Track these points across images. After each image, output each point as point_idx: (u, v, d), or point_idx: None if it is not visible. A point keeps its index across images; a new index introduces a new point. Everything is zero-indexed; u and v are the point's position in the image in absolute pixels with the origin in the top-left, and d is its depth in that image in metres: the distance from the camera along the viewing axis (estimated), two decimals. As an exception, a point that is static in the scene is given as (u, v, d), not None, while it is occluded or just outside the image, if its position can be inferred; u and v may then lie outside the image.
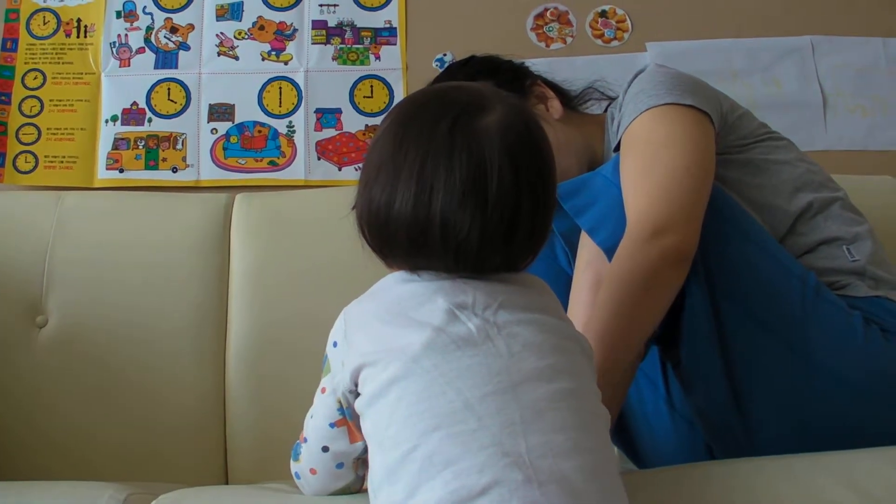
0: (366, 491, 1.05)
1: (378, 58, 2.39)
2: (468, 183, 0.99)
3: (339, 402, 1.07)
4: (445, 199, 0.99)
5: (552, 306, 1.08)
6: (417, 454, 0.95)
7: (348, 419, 1.08)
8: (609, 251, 1.35)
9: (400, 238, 1.02)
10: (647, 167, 1.37)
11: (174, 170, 2.29)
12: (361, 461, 1.12)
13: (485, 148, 1.00)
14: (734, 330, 1.34)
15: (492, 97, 1.06)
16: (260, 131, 2.32)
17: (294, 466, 1.18)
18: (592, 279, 1.41)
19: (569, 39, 2.41)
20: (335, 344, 1.07)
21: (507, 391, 0.97)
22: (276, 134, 2.32)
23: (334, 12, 2.42)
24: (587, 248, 1.42)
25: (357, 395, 1.03)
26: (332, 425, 1.10)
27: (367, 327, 1.04)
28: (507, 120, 1.03)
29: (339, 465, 1.13)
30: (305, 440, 1.14)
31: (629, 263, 1.29)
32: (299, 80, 2.37)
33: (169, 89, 2.35)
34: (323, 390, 1.10)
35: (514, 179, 1.01)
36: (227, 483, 1.89)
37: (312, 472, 1.15)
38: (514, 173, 1.01)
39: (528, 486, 0.91)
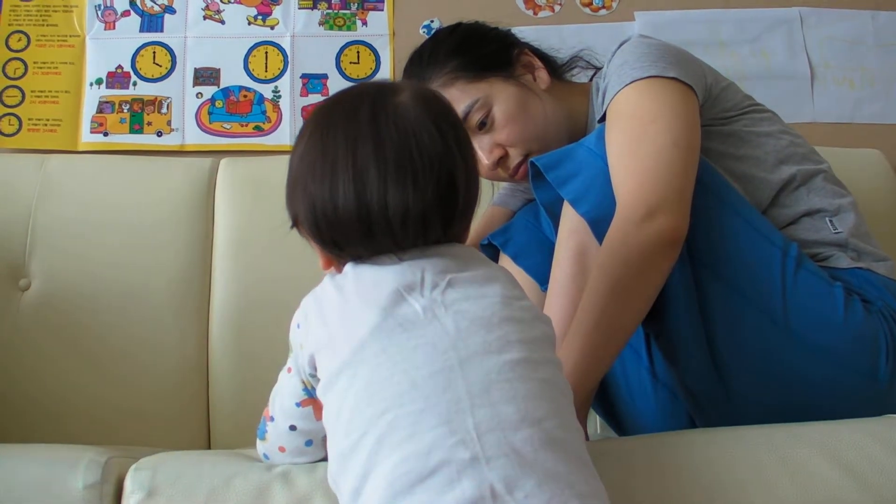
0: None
1: (365, 23, 2.38)
2: (401, 156, 1.02)
3: (304, 382, 1.08)
4: (381, 176, 1.01)
5: (502, 279, 1.08)
6: (367, 440, 0.95)
7: (315, 397, 1.08)
8: (593, 223, 1.35)
9: (350, 228, 1.03)
10: (634, 144, 1.36)
11: (159, 134, 2.28)
12: None
13: (408, 119, 1.04)
14: (715, 300, 1.34)
15: (400, 84, 1.11)
16: (245, 96, 2.31)
17: (261, 447, 1.19)
18: (575, 249, 1.40)
19: (557, 7, 2.40)
20: (298, 325, 1.08)
21: (454, 368, 0.97)
22: (261, 99, 2.31)
23: (321, -23, 2.41)
24: (569, 219, 1.41)
25: (318, 379, 1.04)
26: (297, 405, 1.11)
27: (322, 313, 1.05)
28: (419, 94, 1.08)
29: (308, 443, 1.14)
30: (272, 419, 1.15)
31: (623, 248, 1.28)
32: (285, 45, 2.35)
33: (154, 53, 2.34)
34: (289, 370, 1.11)
35: (443, 142, 1.04)
36: (209, 448, 1.89)
37: (281, 449, 1.16)
38: (442, 137, 1.04)
39: (475, 463, 0.91)
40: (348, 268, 1.06)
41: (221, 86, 2.32)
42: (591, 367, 1.28)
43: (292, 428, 1.13)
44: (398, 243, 1.04)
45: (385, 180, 1.01)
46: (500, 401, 0.95)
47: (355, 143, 1.03)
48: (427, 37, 1.84)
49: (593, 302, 1.28)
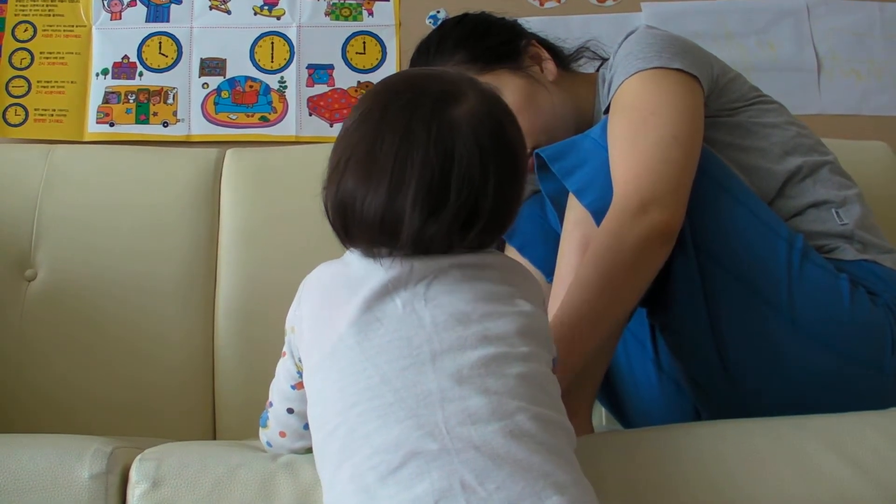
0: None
1: (371, 14, 2.37)
2: (438, 180, 1.00)
3: (297, 365, 1.10)
4: (416, 196, 0.99)
5: (499, 274, 1.07)
6: (339, 432, 0.97)
7: None
8: (597, 214, 1.35)
9: (366, 229, 1.02)
10: (634, 136, 1.36)
11: (165, 124, 2.28)
12: None
13: (456, 144, 1.01)
14: (720, 292, 1.34)
15: (465, 86, 1.07)
16: (251, 86, 2.31)
17: (263, 435, 1.20)
18: (580, 240, 1.40)
19: (563, -2, 2.40)
20: (292, 309, 1.09)
21: (426, 362, 0.97)
22: (267, 89, 2.31)
23: (327, -33, 2.40)
24: (574, 210, 1.41)
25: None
26: (293, 387, 1.12)
27: (313, 299, 1.07)
28: (480, 112, 1.04)
29: (306, 426, 1.13)
30: (271, 404, 1.17)
31: (615, 240, 1.28)
32: (291, 35, 2.35)
33: (160, 43, 2.34)
34: (283, 354, 1.12)
35: (482, 173, 1.01)
36: (215, 440, 1.89)
37: (281, 434, 1.17)
38: (482, 167, 1.01)
39: (444, 455, 0.92)
40: (347, 256, 1.07)
41: (227, 76, 2.32)
42: (572, 358, 1.27)
43: (290, 411, 1.14)
44: (399, 249, 1.03)
45: (414, 202, 0.99)
46: (471, 395, 0.96)
47: (397, 155, 1.00)
48: (433, 27, 1.84)
49: (581, 293, 1.28)
